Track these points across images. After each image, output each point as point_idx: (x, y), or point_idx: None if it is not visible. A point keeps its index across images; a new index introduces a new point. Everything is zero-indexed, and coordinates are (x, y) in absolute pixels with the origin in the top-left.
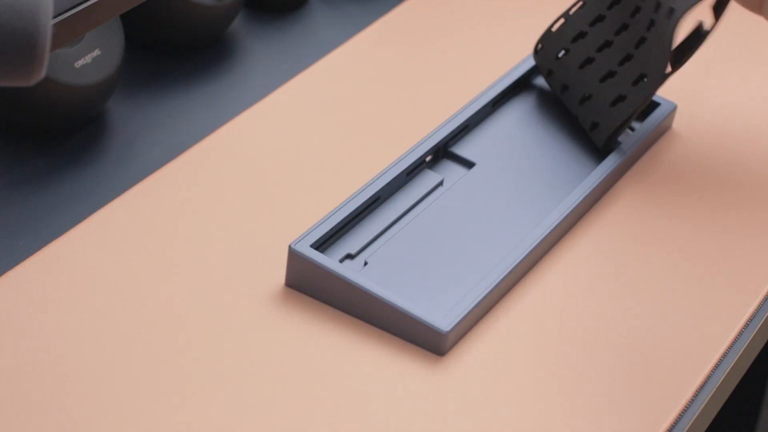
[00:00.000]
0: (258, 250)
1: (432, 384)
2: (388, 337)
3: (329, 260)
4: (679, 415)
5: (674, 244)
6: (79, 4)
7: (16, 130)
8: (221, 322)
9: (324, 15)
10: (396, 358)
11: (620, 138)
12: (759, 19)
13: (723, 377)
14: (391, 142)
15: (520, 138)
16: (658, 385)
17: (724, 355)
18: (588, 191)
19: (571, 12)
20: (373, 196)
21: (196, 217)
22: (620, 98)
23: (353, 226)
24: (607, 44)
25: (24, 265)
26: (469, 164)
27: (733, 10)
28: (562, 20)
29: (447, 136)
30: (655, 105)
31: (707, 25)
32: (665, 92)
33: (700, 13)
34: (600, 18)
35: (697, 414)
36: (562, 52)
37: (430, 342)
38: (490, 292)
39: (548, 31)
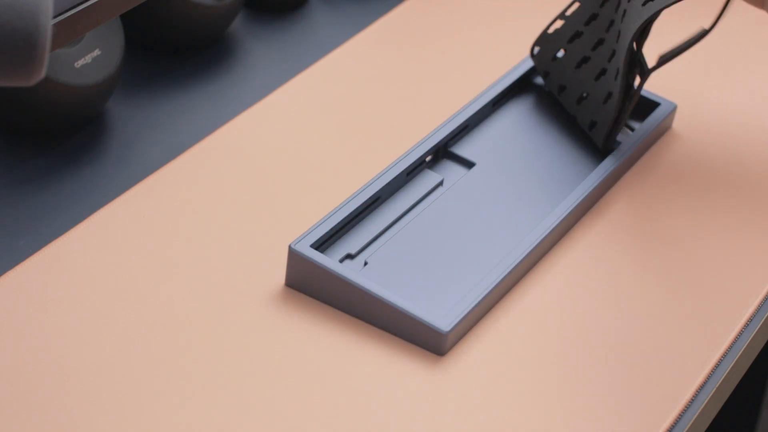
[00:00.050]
0: (258, 250)
1: (432, 384)
2: (388, 337)
3: (329, 260)
4: (679, 415)
5: (674, 244)
6: (79, 4)
7: (16, 130)
8: (221, 322)
9: (324, 15)
10: (396, 358)
11: (620, 138)
12: (759, 19)
13: (723, 377)
14: (391, 142)
15: (520, 138)
16: (658, 385)
17: (724, 355)
18: (588, 191)
19: (567, 13)
20: (373, 196)
21: (196, 217)
22: (609, 95)
23: (353, 226)
24: (600, 42)
25: (24, 265)
26: (469, 164)
27: (733, 10)
28: (558, 21)
29: (447, 136)
30: (655, 105)
31: (697, 29)
32: (665, 92)
33: (699, 16)
34: (594, 16)
35: (697, 414)
36: (560, 52)
37: (430, 342)
38: (490, 292)
39: (544, 33)
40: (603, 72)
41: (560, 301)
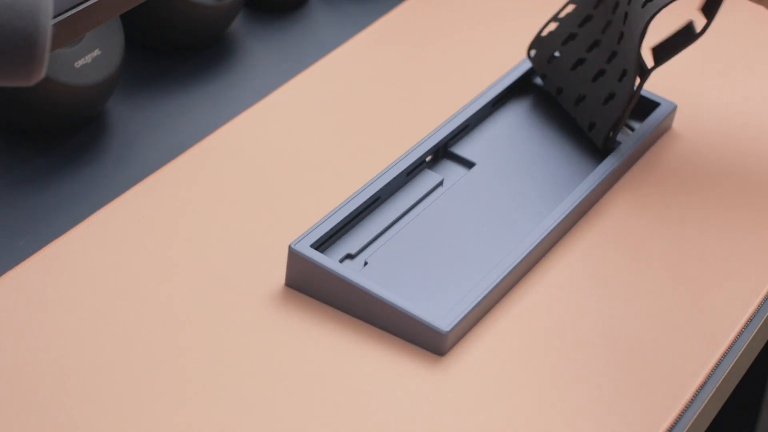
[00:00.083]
0: (258, 250)
1: (432, 384)
2: (388, 337)
3: (329, 260)
4: (679, 415)
5: (675, 244)
6: (79, 4)
7: (16, 130)
8: (221, 322)
9: (324, 15)
10: (396, 358)
11: (620, 138)
12: (758, 19)
13: (723, 377)
14: (391, 142)
15: (520, 138)
16: (658, 385)
17: (724, 355)
18: (588, 191)
19: (561, 15)
20: (373, 196)
21: (196, 217)
22: (611, 96)
23: (353, 226)
24: (596, 43)
25: (24, 265)
26: (469, 164)
27: (733, 10)
28: (552, 24)
29: (447, 136)
30: (655, 105)
31: (699, 26)
32: (665, 92)
33: (692, 14)
34: (588, 18)
35: (697, 414)
36: (556, 54)
37: (430, 342)
38: (490, 292)
39: (538, 36)
40: (601, 73)
41: (560, 301)
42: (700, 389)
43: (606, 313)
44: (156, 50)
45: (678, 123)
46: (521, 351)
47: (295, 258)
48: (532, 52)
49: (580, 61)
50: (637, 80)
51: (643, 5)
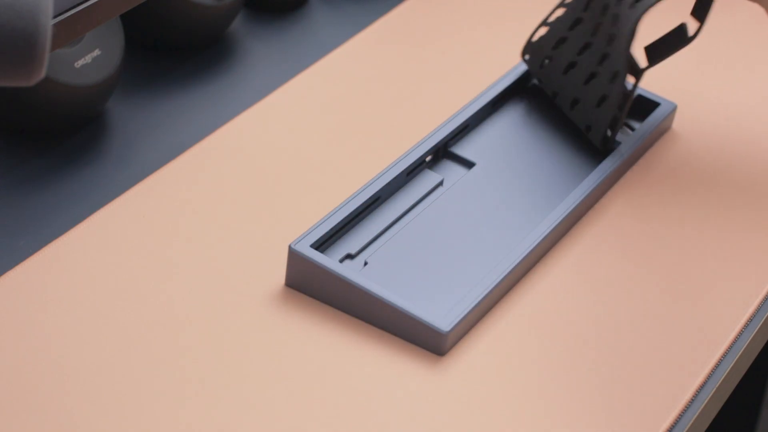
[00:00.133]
0: (258, 250)
1: (432, 384)
2: (388, 337)
3: (329, 260)
4: (679, 415)
5: (674, 244)
6: (79, 4)
7: (16, 130)
8: (221, 322)
9: (324, 15)
10: (396, 358)
11: (620, 138)
12: (758, 19)
13: (723, 377)
14: (391, 142)
15: (520, 138)
16: (658, 386)
17: (724, 356)
18: (588, 191)
19: (551, 19)
20: (373, 196)
21: (196, 217)
22: (604, 98)
23: (353, 226)
24: (587, 46)
25: (24, 265)
26: (469, 164)
27: (733, 10)
28: (543, 28)
29: (447, 136)
30: (655, 105)
31: (693, 29)
32: (665, 92)
33: (685, 12)
34: (578, 21)
35: (697, 414)
36: (546, 60)
37: (430, 342)
38: (490, 292)
39: (529, 41)
40: (593, 76)
41: (560, 301)
42: (700, 389)
43: (606, 313)
44: (156, 50)
45: (678, 123)
46: (521, 351)
47: (295, 258)
48: (527, 56)
49: (572, 65)
50: (632, 80)
51: (632, 6)
